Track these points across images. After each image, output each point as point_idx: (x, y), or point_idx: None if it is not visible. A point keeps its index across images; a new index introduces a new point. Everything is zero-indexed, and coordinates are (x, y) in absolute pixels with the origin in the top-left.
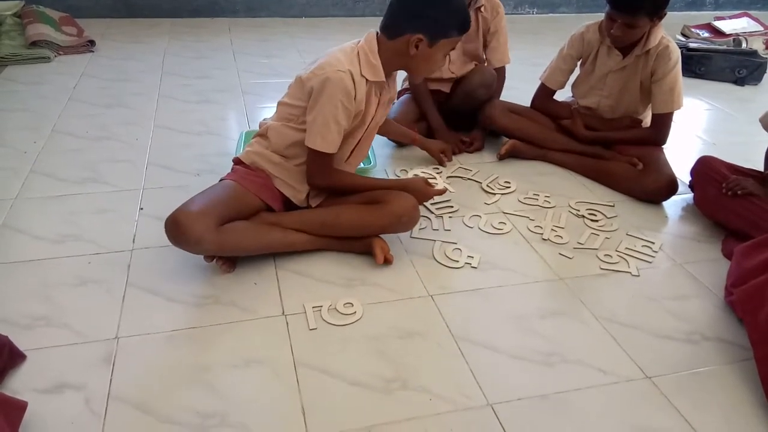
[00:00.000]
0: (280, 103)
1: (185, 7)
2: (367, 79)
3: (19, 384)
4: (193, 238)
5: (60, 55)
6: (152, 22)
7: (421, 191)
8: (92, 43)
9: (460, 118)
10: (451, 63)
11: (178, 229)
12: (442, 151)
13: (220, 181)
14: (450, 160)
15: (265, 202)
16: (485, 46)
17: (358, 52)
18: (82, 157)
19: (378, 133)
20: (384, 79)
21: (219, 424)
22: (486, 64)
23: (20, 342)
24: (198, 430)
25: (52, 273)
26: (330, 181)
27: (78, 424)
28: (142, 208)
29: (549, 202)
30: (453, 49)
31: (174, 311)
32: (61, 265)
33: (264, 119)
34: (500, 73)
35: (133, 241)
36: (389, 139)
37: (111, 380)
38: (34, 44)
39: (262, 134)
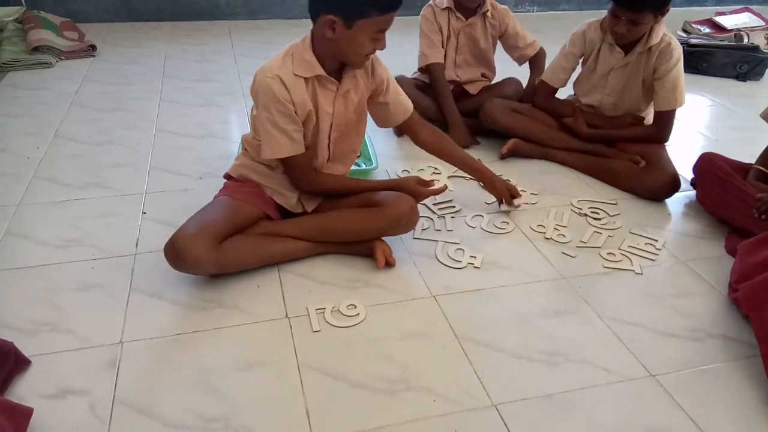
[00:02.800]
0: (252, 116)
1: (186, 11)
2: (306, 77)
3: (25, 390)
4: (192, 261)
5: (62, 60)
6: (153, 26)
7: (414, 191)
8: (93, 47)
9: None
10: (457, 67)
11: (176, 253)
12: (510, 192)
13: (214, 199)
14: (517, 204)
15: (262, 211)
16: (506, 48)
17: (292, 53)
18: (85, 162)
19: (439, 156)
20: (322, 72)
21: (223, 428)
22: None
23: (25, 348)
24: None
25: (57, 278)
26: (314, 185)
27: (83, 429)
28: (145, 213)
29: (551, 201)
30: (382, 31)
31: (178, 315)
32: (65, 270)
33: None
34: (539, 56)
35: (137, 246)
36: (452, 164)
37: (116, 385)
38: (36, 50)
39: (245, 147)
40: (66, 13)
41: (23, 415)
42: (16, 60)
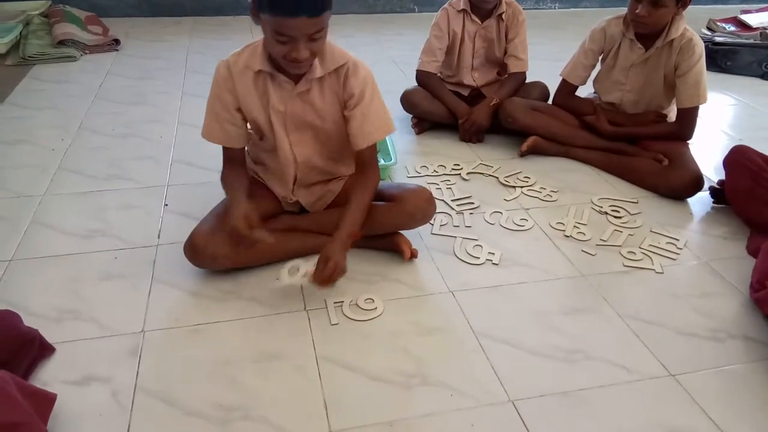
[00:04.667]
0: None
1: (208, 5)
2: (256, 71)
3: (49, 376)
4: (210, 257)
5: (86, 54)
6: (175, 21)
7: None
8: (117, 42)
9: None
10: (474, 70)
11: (194, 251)
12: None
13: None
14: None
15: (277, 205)
16: (506, 51)
17: (255, 45)
18: (109, 155)
19: (343, 199)
20: (265, 68)
21: (242, 417)
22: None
23: (49, 335)
24: (221, 423)
25: (80, 268)
26: (224, 180)
27: (105, 415)
28: (167, 204)
29: (571, 199)
30: (279, 34)
31: (198, 306)
32: (88, 260)
33: None
34: (517, 78)
35: (158, 237)
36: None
37: (137, 373)
38: (61, 43)
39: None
40: (90, 8)
41: (47, 400)
42: (41, 53)
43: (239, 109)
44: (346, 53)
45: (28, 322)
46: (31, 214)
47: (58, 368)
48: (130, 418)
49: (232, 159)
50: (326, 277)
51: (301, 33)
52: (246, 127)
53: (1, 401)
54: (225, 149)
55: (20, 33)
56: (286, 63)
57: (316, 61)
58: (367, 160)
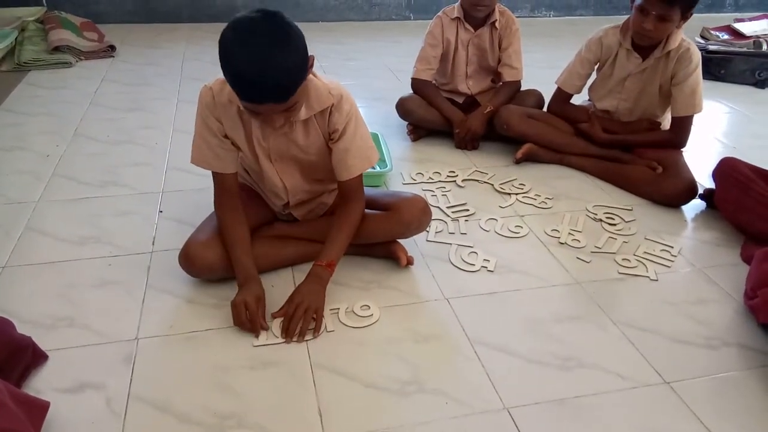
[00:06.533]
0: None
1: (204, 12)
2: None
3: (42, 384)
4: (206, 267)
5: (81, 60)
6: (171, 27)
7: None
8: (113, 48)
9: None
10: (469, 78)
11: (189, 261)
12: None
13: None
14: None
15: (270, 212)
16: (499, 60)
17: None
18: (104, 161)
19: (325, 230)
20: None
21: (237, 425)
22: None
23: (43, 342)
24: (216, 430)
25: (74, 274)
26: (217, 212)
27: (99, 423)
28: (161, 211)
29: (566, 206)
30: (252, 111)
31: (193, 312)
32: (82, 266)
33: None
34: (511, 87)
35: (153, 244)
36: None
37: (131, 380)
38: (57, 49)
39: None
40: (86, 14)
41: (40, 408)
42: (36, 59)
43: (226, 136)
44: (332, 88)
45: (22, 329)
46: (25, 220)
47: (52, 376)
48: (123, 426)
49: (224, 187)
50: (293, 327)
51: (270, 112)
52: (236, 151)
53: None
54: (216, 176)
55: (15, 39)
56: (254, 119)
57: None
58: (349, 192)
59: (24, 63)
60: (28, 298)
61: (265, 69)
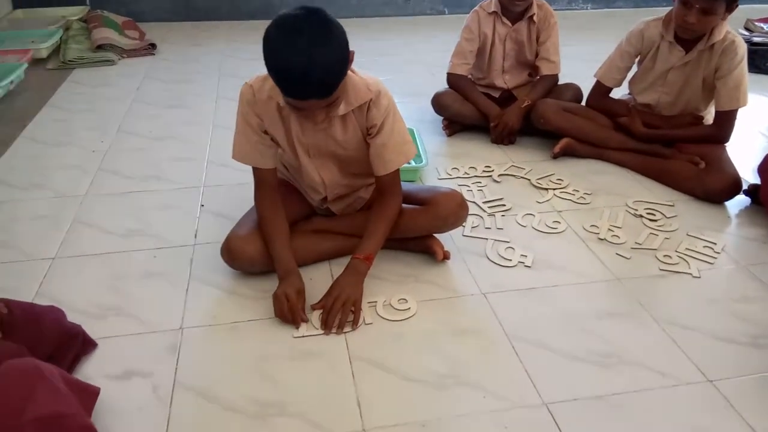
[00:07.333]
0: None
1: (242, 10)
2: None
3: (92, 370)
4: (248, 260)
5: (123, 58)
6: (210, 25)
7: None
8: (153, 46)
9: None
10: (505, 73)
11: (231, 254)
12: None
13: None
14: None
15: (309, 207)
16: (536, 54)
17: None
18: (146, 156)
19: (364, 224)
20: (287, 106)
21: (278, 414)
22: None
23: (92, 331)
24: (258, 418)
25: (121, 266)
26: (257, 207)
27: (146, 409)
28: (203, 205)
29: (605, 201)
30: (294, 106)
31: (234, 304)
32: (128, 258)
33: None
34: (549, 80)
35: (195, 237)
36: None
37: (176, 368)
38: (100, 48)
39: None
40: (127, 13)
41: (91, 394)
42: (80, 57)
43: (266, 132)
44: (370, 84)
45: (72, 318)
46: (74, 213)
47: (101, 363)
48: (169, 412)
49: (264, 182)
50: (332, 319)
51: (313, 107)
52: (276, 147)
53: (49, 393)
54: (256, 171)
55: (60, 38)
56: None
57: None
58: (387, 187)
59: (69, 61)
60: (78, 288)
61: (310, 66)
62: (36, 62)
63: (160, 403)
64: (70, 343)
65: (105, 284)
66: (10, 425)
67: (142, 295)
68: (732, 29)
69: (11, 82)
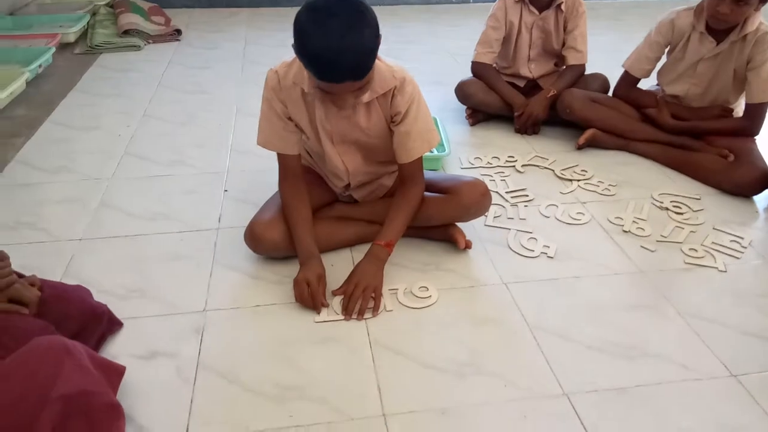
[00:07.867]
0: None
1: None
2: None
3: (117, 349)
4: (271, 245)
5: (149, 43)
6: (233, 12)
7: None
8: (179, 32)
9: None
10: (531, 61)
11: (254, 239)
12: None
13: None
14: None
15: (332, 194)
16: (563, 43)
17: None
18: (171, 141)
19: (384, 210)
20: (312, 92)
21: (299, 397)
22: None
23: (116, 311)
24: (279, 401)
25: (145, 248)
26: (281, 192)
27: (170, 389)
28: (226, 190)
29: (630, 193)
30: (325, 90)
31: (257, 288)
32: (153, 241)
33: None
34: (576, 70)
35: (219, 221)
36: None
37: (200, 350)
38: (126, 33)
39: None
40: None
41: (117, 372)
42: (107, 42)
43: (291, 118)
44: (395, 71)
45: (98, 297)
46: (100, 195)
47: (126, 342)
48: (192, 393)
49: (288, 169)
50: (353, 305)
51: (345, 90)
52: (300, 133)
53: (76, 370)
54: (281, 157)
55: (87, 23)
56: (333, 105)
57: None
58: (409, 175)
59: (96, 46)
60: (103, 269)
61: (343, 48)
62: (63, 46)
63: (184, 384)
64: (96, 322)
65: (130, 266)
66: (38, 402)
67: (166, 277)
68: (765, 20)
69: (39, 65)
